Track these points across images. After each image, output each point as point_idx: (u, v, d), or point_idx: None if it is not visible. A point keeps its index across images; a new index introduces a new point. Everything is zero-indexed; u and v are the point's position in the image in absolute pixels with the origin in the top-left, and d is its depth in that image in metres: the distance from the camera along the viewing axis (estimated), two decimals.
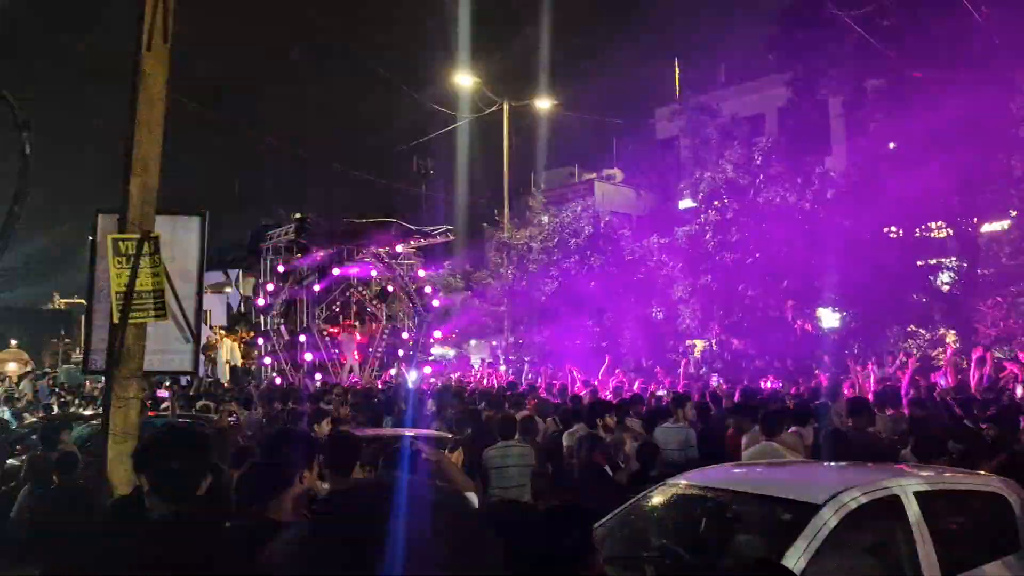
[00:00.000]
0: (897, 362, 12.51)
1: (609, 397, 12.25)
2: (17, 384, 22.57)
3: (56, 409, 16.19)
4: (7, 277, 32.34)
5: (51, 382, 23.42)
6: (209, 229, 5.54)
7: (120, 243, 4.83)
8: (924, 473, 5.12)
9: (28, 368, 29.67)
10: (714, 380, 16.00)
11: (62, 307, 48.89)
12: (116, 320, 4.83)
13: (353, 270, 24.42)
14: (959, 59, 18.59)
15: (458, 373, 21.40)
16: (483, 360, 29.36)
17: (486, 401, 11.31)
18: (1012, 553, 4.76)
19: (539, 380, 18.22)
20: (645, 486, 5.67)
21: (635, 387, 14.89)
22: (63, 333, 39.65)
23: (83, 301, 5.38)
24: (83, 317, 5.38)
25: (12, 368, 29.99)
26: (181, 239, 5.31)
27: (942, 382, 11.62)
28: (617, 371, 17.88)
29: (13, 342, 36.83)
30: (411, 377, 21.26)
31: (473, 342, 32.01)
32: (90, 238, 5.28)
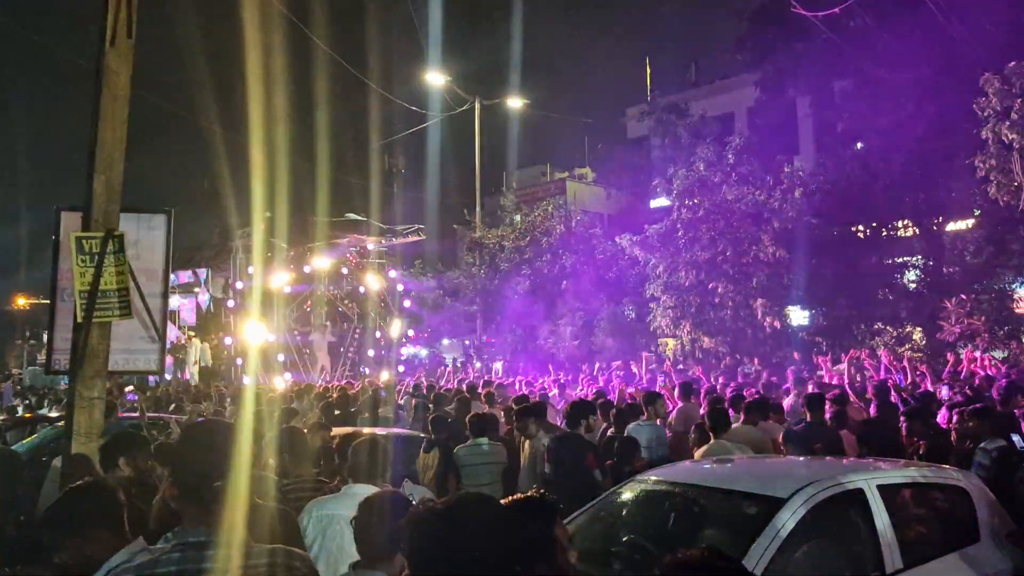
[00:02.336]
0: (845, 360, 12.57)
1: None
2: None
3: (20, 411, 15.93)
4: None
5: (15, 384, 23.02)
6: (176, 227, 5.49)
7: (84, 241, 4.77)
8: (888, 467, 5.20)
9: None
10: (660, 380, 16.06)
11: (27, 307, 48.03)
12: (80, 319, 4.77)
13: (324, 269, 24.28)
14: (924, 61, 18.90)
15: (420, 374, 21.31)
16: (455, 359, 29.34)
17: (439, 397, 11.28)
18: (972, 544, 4.86)
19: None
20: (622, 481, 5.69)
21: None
22: (28, 334, 38.95)
23: (48, 301, 5.29)
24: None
25: None
26: (146, 237, 5.26)
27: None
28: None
29: None
30: (383, 377, 21.18)
31: (446, 341, 31.97)
32: (53, 237, 5.21)
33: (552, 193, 34.76)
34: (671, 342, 25.10)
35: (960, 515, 5.05)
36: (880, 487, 4.65)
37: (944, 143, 18.80)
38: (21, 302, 48.76)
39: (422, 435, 8.77)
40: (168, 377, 21.43)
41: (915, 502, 5.14)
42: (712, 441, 6.81)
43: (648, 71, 35.52)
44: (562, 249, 27.49)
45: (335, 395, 12.42)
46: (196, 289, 27.63)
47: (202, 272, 27.50)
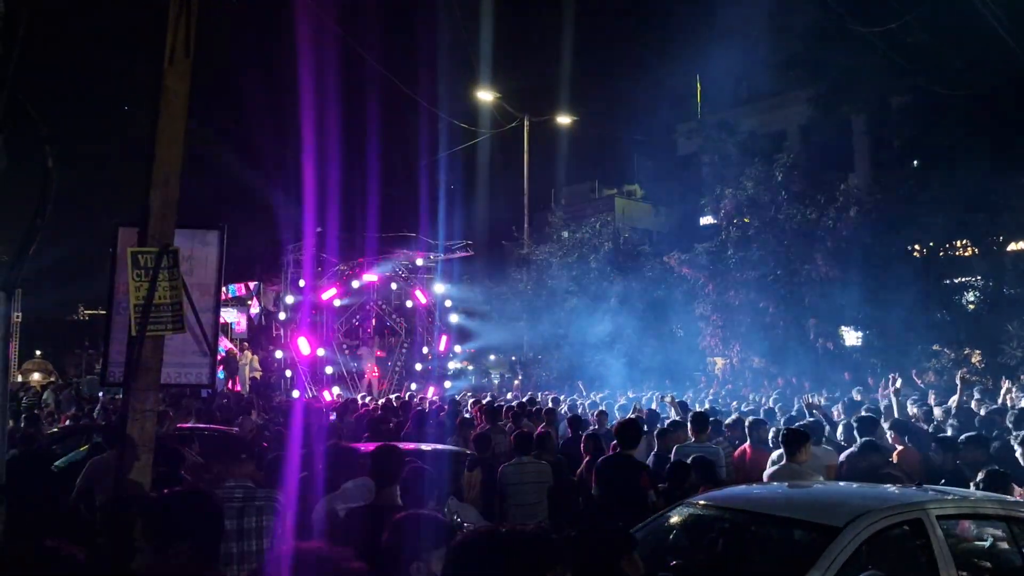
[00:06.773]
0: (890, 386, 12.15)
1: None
2: (41, 394, 22.69)
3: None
4: (33, 287, 32.67)
5: (74, 392, 23.55)
6: (228, 240, 5.55)
7: (139, 256, 4.85)
8: (948, 496, 5.01)
9: (52, 378, 29.95)
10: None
11: (86, 318, 49.35)
12: (134, 333, 4.84)
13: (373, 284, 24.49)
14: (982, 75, 18.43)
15: (464, 392, 21.26)
16: (502, 375, 29.30)
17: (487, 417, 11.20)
18: None
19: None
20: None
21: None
22: (87, 344, 39.93)
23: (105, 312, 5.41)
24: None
25: (36, 378, 30.29)
26: (200, 253, 5.33)
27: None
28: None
29: (37, 352, 37.24)
30: (430, 392, 21.23)
31: (492, 357, 31.96)
32: (110, 251, 5.31)
33: (600, 210, 34.67)
34: (720, 361, 24.76)
35: None
36: (940, 517, 4.48)
37: (1004, 160, 18.29)
38: (82, 313, 50.17)
39: (467, 451, 8.75)
40: (220, 388, 21.73)
41: (978, 534, 4.94)
42: (783, 463, 6.58)
43: (699, 88, 35.27)
44: (609, 267, 27.34)
45: (378, 409, 12.48)
46: (248, 302, 28.10)
47: (253, 285, 27.96)
